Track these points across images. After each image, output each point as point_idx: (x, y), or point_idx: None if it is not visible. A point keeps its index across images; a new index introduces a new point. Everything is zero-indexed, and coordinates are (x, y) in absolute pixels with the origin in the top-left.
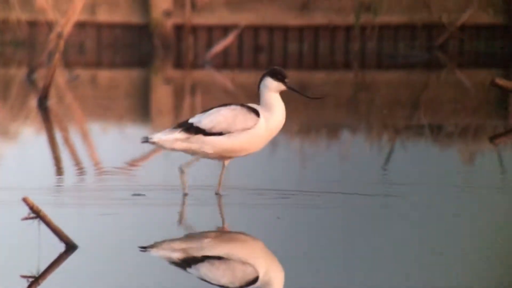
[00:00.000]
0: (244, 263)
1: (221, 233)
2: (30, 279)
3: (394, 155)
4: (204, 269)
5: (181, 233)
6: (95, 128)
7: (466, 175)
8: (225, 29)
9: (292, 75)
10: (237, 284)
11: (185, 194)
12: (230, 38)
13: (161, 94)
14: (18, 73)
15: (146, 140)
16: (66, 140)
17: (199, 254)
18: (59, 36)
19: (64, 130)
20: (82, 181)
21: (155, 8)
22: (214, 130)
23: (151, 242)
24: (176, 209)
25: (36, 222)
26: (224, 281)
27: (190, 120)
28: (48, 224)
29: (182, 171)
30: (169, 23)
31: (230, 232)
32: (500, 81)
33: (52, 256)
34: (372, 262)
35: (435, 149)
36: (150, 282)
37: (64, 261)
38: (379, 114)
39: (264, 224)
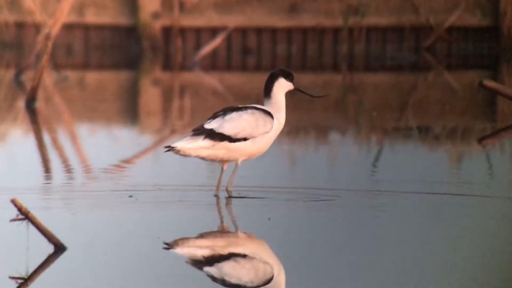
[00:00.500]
0: (258, 262)
1: (229, 233)
2: (19, 281)
3: (382, 157)
4: (227, 267)
5: (179, 233)
6: (83, 130)
7: (454, 176)
8: (214, 31)
9: None
10: (251, 284)
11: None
12: (218, 40)
13: (150, 96)
14: (6, 75)
15: (169, 148)
16: (54, 142)
17: (222, 252)
18: (47, 37)
19: (52, 132)
20: (70, 182)
21: (143, 9)
22: (239, 136)
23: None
24: (165, 209)
25: (24, 223)
26: (244, 280)
27: (209, 126)
28: (37, 225)
29: (229, 192)
30: (158, 25)
31: (234, 232)
32: (488, 83)
33: (41, 257)
34: (371, 264)
35: (423, 150)
36: (140, 283)
37: (52, 262)
38: (367, 116)
39: (264, 224)
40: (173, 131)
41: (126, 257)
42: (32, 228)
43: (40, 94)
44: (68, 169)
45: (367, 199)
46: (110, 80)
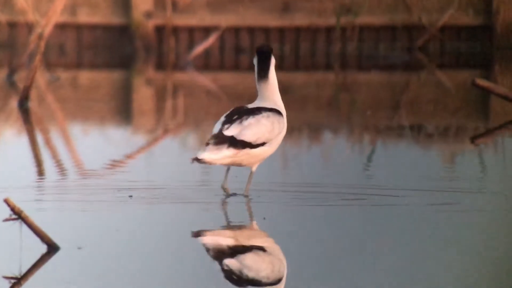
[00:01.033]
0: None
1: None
2: (12, 280)
3: (375, 156)
4: (248, 260)
5: (177, 232)
6: (76, 130)
7: (447, 175)
8: (207, 31)
9: None
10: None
11: (232, 195)
12: (211, 40)
13: (142, 96)
14: None
15: (197, 160)
16: (47, 142)
17: (245, 244)
18: (40, 37)
19: (45, 132)
20: (63, 182)
21: (136, 9)
22: (258, 142)
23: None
24: (159, 207)
25: (17, 223)
26: (262, 274)
27: (229, 133)
28: (30, 225)
29: (246, 196)
30: (150, 24)
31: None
32: (481, 82)
33: (34, 257)
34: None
35: (416, 149)
36: (133, 282)
37: (46, 262)
38: (360, 114)
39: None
40: (166, 131)
41: (119, 257)
42: (25, 228)
43: (33, 94)
44: (61, 169)
45: (358, 201)
46: (103, 79)
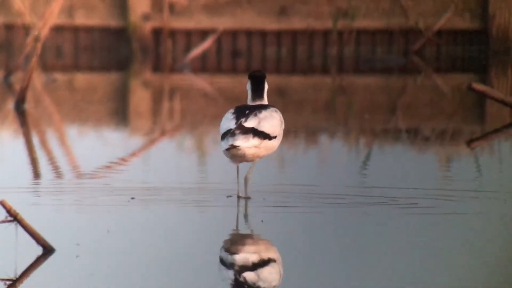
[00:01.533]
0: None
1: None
2: (8, 282)
3: (371, 160)
4: (265, 272)
5: (176, 234)
6: (73, 131)
7: (442, 179)
8: (204, 33)
9: (270, 79)
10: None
11: (247, 198)
12: (208, 42)
13: (139, 98)
14: None
15: (234, 147)
16: (44, 143)
17: (261, 257)
18: (36, 39)
19: (42, 133)
20: (59, 184)
21: (133, 11)
22: (274, 134)
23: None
24: (156, 209)
25: (13, 225)
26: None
27: (249, 124)
28: (26, 227)
29: (247, 179)
30: (148, 26)
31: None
32: (477, 86)
33: (30, 259)
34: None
35: (412, 153)
36: (129, 285)
37: (41, 264)
38: (356, 118)
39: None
40: (163, 133)
41: (115, 259)
42: (20, 230)
43: (30, 96)
44: (57, 170)
45: (355, 204)
46: (100, 81)
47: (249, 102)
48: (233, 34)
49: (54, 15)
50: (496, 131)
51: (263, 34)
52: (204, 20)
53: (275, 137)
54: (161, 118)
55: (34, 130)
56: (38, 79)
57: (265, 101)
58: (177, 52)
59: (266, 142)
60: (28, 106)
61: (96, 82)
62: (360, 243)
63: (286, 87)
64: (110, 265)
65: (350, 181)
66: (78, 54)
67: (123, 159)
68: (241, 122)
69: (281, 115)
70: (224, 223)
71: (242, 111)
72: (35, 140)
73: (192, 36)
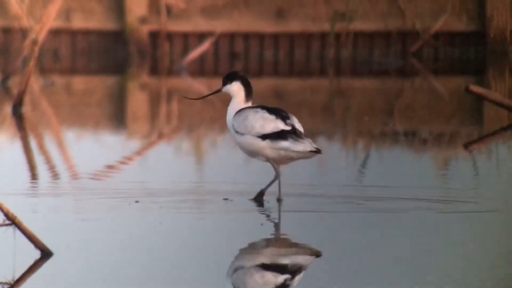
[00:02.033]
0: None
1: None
2: (5, 286)
3: (369, 162)
4: (283, 277)
5: (175, 236)
6: (70, 135)
7: (440, 181)
8: (201, 36)
9: (268, 82)
10: None
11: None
12: (206, 45)
13: (137, 101)
14: None
15: (318, 152)
16: (41, 147)
17: (281, 261)
18: (34, 42)
19: (39, 137)
20: (57, 187)
21: (130, 14)
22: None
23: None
24: (155, 212)
25: (11, 228)
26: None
27: (300, 128)
28: (23, 231)
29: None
30: (145, 29)
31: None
32: (474, 88)
33: (28, 262)
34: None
35: (409, 155)
36: (128, 287)
37: (39, 268)
38: (355, 120)
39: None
40: (160, 136)
41: (113, 263)
42: (18, 233)
43: (27, 99)
44: (55, 174)
45: (354, 205)
46: (97, 85)
47: (242, 103)
48: (231, 37)
49: (51, 19)
50: (494, 133)
51: (260, 36)
52: (201, 23)
53: None
54: (158, 121)
55: (32, 134)
56: (35, 83)
57: (250, 102)
58: (175, 55)
59: None
60: (26, 109)
61: (93, 85)
62: (360, 244)
63: (284, 89)
64: (108, 269)
65: (347, 183)
66: (76, 57)
67: (121, 162)
68: (293, 124)
69: None
70: (220, 227)
71: (277, 111)
72: (33, 144)
73: (190, 39)
